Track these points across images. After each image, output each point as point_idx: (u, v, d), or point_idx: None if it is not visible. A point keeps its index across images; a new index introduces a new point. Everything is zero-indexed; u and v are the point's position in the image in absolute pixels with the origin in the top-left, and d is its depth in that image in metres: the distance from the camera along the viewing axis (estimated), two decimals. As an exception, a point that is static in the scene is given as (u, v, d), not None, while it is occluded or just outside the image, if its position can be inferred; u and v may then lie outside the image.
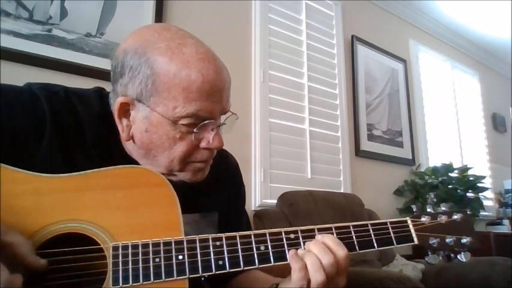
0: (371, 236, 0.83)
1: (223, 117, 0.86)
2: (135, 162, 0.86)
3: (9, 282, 0.56)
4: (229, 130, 0.88)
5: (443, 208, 0.92)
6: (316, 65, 3.04)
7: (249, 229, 1.07)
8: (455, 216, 0.90)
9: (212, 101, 0.79)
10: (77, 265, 0.67)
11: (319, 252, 0.75)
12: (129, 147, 0.86)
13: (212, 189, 0.94)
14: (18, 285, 0.58)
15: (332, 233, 0.80)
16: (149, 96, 0.78)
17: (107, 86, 0.91)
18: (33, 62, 1.82)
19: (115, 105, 0.81)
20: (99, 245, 0.68)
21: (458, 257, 0.87)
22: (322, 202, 2.47)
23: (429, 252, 0.87)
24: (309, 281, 0.73)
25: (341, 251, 0.76)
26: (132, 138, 0.82)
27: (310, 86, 2.94)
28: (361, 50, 3.49)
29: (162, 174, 0.83)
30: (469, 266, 2.25)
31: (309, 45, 3.02)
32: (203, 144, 0.82)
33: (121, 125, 0.82)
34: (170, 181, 0.82)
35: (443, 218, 0.89)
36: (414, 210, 0.92)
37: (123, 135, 0.83)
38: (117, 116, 0.81)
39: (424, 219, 0.89)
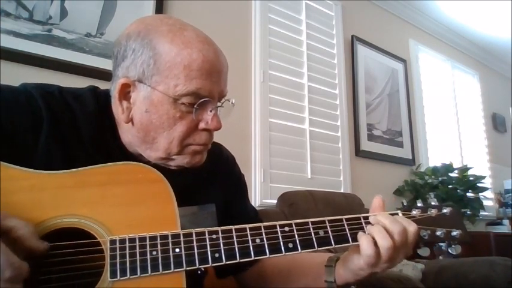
0: (364, 229, 0.84)
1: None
2: (133, 156, 0.88)
3: (19, 268, 0.57)
4: (227, 116, 0.90)
5: (432, 203, 0.93)
6: (316, 65, 3.05)
7: (258, 217, 1.12)
8: (444, 210, 0.92)
9: (211, 80, 0.82)
10: (75, 259, 0.68)
11: (388, 222, 0.81)
12: (128, 134, 0.86)
13: (209, 181, 0.95)
14: (26, 272, 0.59)
15: (326, 226, 0.82)
16: (151, 76, 0.80)
17: (106, 86, 0.91)
18: (33, 62, 1.82)
19: (116, 87, 0.82)
20: (97, 239, 0.69)
21: (449, 249, 0.89)
22: (322, 202, 2.47)
23: (420, 245, 0.88)
24: (377, 249, 0.78)
25: (411, 226, 0.82)
26: (131, 120, 0.84)
27: (310, 86, 2.94)
28: (361, 50, 3.49)
29: (161, 159, 0.85)
30: (469, 266, 2.25)
31: (309, 45, 3.03)
32: (202, 125, 0.84)
33: (121, 107, 0.83)
34: (168, 168, 0.85)
35: (433, 212, 0.91)
36: (405, 204, 0.94)
37: (122, 117, 0.84)
38: (117, 98, 0.83)
39: (414, 212, 0.90)
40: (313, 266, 0.95)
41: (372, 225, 0.84)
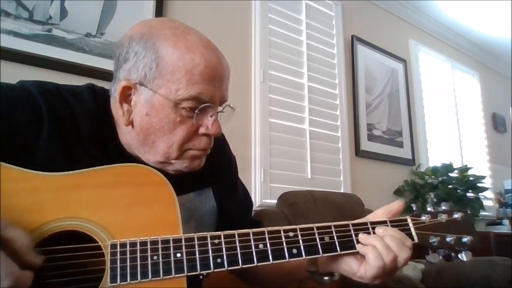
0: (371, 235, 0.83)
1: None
2: (131, 155, 0.87)
3: (19, 277, 0.57)
4: (226, 122, 0.89)
5: (443, 207, 0.91)
6: (316, 65, 3.04)
7: (248, 201, 1.13)
8: (455, 215, 0.89)
9: (213, 86, 0.81)
10: (75, 263, 0.67)
11: (386, 231, 0.82)
12: (127, 136, 0.86)
13: (203, 165, 0.93)
14: (28, 282, 0.58)
15: (331, 232, 0.81)
16: (152, 79, 0.79)
17: (106, 86, 0.91)
18: (33, 62, 1.82)
19: (117, 90, 0.82)
20: (98, 242, 0.68)
21: (459, 256, 0.86)
22: (322, 202, 2.47)
23: (429, 251, 0.86)
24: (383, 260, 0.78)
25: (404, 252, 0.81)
26: (131, 123, 0.83)
27: (310, 86, 2.94)
28: (361, 50, 3.49)
29: (159, 163, 0.84)
30: (469, 266, 2.25)
31: (309, 45, 3.02)
32: (202, 130, 0.83)
33: (121, 110, 0.83)
34: (166, 172, 0.84)
35: (443, 217, 0.89)
36: (414, 209, 0.91)
37: (123, 120, 0.83)
38: (118, 101, 0.82)
39: (424, 217, 0.88)
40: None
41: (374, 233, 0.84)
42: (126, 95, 0.82)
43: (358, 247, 0.81)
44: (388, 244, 0.79)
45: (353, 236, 0.82)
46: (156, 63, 0.79)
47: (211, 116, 0.83)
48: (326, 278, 0.88)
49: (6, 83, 0.82)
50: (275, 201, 2.43)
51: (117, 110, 0.84)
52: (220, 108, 0.87)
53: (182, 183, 0.84)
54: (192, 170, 0.87)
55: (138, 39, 0.81)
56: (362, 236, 0.82)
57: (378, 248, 0.79)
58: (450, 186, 3.36)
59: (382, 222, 0.86)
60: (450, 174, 3.44)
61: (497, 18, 4.16)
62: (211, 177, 1.01)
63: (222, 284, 1.10)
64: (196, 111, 0.80)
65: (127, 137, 0.86)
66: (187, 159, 0.85)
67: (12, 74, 1.73)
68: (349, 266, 0.83)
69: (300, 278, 0.95)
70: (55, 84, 0.86)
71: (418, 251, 0.87)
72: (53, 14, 1.92)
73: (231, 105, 0.89)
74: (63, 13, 1.95)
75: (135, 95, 0.82)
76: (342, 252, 0.80)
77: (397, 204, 0.88)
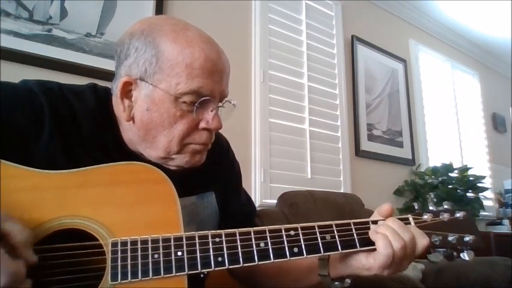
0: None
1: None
2: (134, 154, 0.87)
3: (14, 273, 0.57)
4: (228, 117, 0.90)
5: (445, 206, 0.90)
6: (316, 65, 3.04)
7: (251, 206, 1.13)
8: (457, 215, 0.89)
9: (213, 80, 0.82)
10: (76, 261, 0.67)
11: (397, 227, 0.81)
12: (129, 132, 0.86)
13: (206, 169, 0.94)
14: (23, 274, 0.58)
15: (333, 230, 0.80)
16: (153, 74, 0.80)
17: (106, 85, 0.91)
18: (33, 62, 1.82)
19: (118, 86, 0.82)
20: (99, 241, 0.68)
21: (461, 255, 0.85)
22: (322, 202, 2.46)
23: (431, 250, 0.85)
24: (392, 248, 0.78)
25: (424, 239, 0.82)
26: (132, 118, 0.84)
27: (310, 86, 2.94)
28: (361, 50, 3.49)
29: (161, 158, 0.85)
30: (469, 266, 2.25)
31: (309, 45, 3.02)
32: (202, 124, 0.84)
33: (122, 105, 0.83)
34: (168, 169, 0.84)
35: (445, 216, 0.88)
36: (416, 208, 0.91)
37: (124, 116, 0.84)
38: (119, 96, 0.83)
39: (426, 216, 0.88)
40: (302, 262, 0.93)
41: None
42: (126, 90, 0.83)
43: (370, 233, 0.81)
44: (397, 232, 0.80)
45: (354, 235, 0.81)
46: (156, 58, 0.79)
47: (211, 111, 0.83)
48: (336, 283, 0.87)
49: (8, 82, 0.82)
50: (275, 201, 2.43)
51: (118, 106, 0.85)
52: (220, 104, 0.87)
53: (184, 185, 0.84)
54: (193, 165, 0.87)
55: (138, 36, 0.82)
56: (373, 226, 0.83)
57: (388, 235, 0.79)
58: (450, 186, 3.35)
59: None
60: (450, 174, 3.44)
61: (497, 18, 4.16)
62: (213, 181, 1.01)
63: (225, 284, 1.10)
64: (196, 105, 0.80)
65: (128, 133, 0.87)
66: (188, 153, 0.85)
67: (12, 74, 1.72)
68: (359, 261, 0.83)
69: (311, 283, 0.94)
70: (57, 83, 0.87)
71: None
72: (53, 14, 1.92)
73: (232, 101, 0.89)
74: (63, 13, 1.95)
75: (135, 90, 0.82)
76: (343, 252, 0.80)
77: (384, 208, 0.88)
